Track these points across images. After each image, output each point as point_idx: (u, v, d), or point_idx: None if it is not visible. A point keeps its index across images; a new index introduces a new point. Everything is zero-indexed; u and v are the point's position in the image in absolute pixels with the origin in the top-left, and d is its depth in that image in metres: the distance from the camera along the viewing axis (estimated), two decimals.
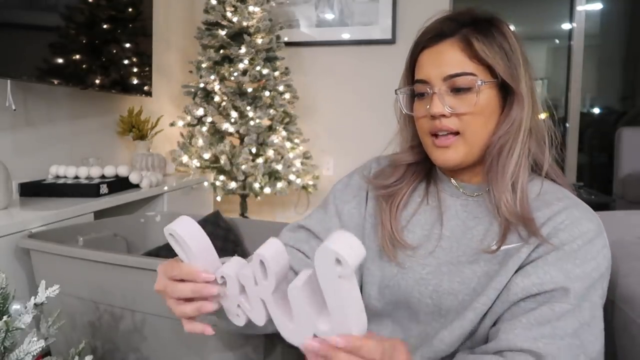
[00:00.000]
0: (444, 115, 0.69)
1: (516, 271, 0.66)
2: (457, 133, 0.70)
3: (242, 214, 2.66)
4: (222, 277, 0.56)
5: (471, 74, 0.68)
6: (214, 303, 0.59)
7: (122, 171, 1.88)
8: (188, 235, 0.56)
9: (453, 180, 0.77)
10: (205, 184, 2.45)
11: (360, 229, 0.80)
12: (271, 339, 1.00)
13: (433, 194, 0.78)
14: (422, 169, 0.79)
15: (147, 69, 2.33)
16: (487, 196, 0.72)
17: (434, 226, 0.75)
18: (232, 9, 2.45)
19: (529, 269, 0.65)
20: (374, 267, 0.77)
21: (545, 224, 0.67)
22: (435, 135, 0.71)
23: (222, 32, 2.44)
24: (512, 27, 0.73)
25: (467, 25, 0.70)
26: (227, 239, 1.42)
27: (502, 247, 0.68)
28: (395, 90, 0.77)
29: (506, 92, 0.71)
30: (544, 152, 0.72)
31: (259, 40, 2.46)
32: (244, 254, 1.42)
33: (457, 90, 0.69)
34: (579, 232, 0.65)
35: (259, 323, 0.55)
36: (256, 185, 2.45)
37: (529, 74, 0.71)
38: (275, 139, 2.49)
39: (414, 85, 0.74)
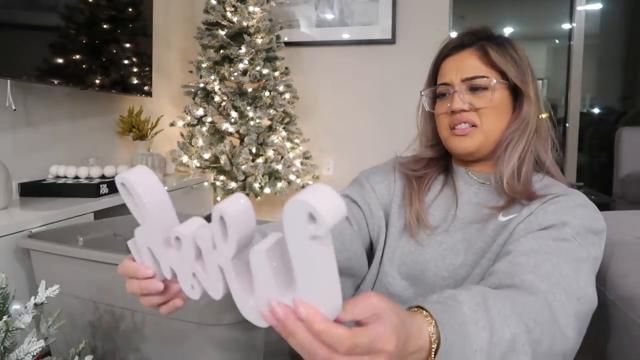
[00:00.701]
0: (464, 110, 0.80)
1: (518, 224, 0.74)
2: (474, 126, 0.80)
3: None
4: (177, 238, 0.48)
5: (485, 76, 0.80)
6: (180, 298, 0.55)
7: (122, 171, 1.88)
8: (143, 188, 0.48)
9: (467, 170, 0.87)
10: (205, 184, 2.45)
11: (388, 208, 0.89)
12: (271, 338, 1.00)
13: (450, 184, 0.88)
14: (441, 164, 0.91)
15: (147, 69, 2.33)
16: (495, 184, 0.82)
17: (450, 209, 0.84)
18: (232, 9, 2.45)
19: (530, 218, 0.73)
20: (394, 244, 0.85)
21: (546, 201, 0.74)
22: (453, 128, 0.81)
23: (222, 32, 2.44)
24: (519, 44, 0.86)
25: (484, 39, 0.83)
26: None
27: (507, 217, 0.76)
28: (421, 92, 0.89)
29: (516, 96, 0.82)
30: (547, 150, 0.83)
31: (259, 40, 2.46)
32: None
33: (474, 89, 0.81)
34: (573, 202, 0.73)
35: (215, 296, 0.47)
36: (256, 185, 2.45)
37: (535, 82, 0.83)
38: (275, 139, 2.49)
39: (437, 87, 0.85)
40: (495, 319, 0.53)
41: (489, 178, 0.84)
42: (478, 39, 0.83)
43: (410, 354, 0.45)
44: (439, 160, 0.90)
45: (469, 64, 0.82)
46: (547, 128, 0.84)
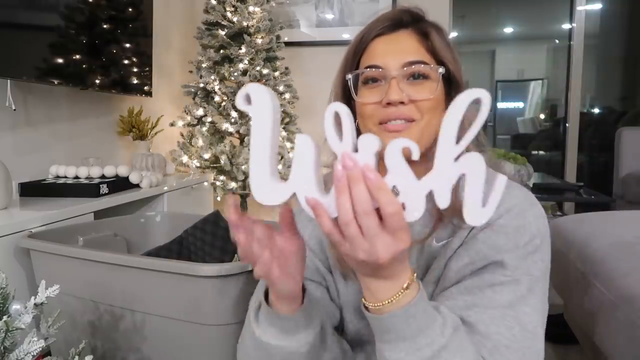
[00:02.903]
0: (402, 103, 0.66)
1: (450, 258, 0.66)
2: (410, 122, 0.67)
3: None
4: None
5: (428, 63, 0.68)
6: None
7: (122, 171, 1.88)
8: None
9: None
10: (205, 184, 2.45)
11: (323, 248, 0.77)
12: None
13: None
14: None
15: (147, 69, 2.33)
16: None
17: None
18: (232, 9, 2.45)
19: (460, 252, 0.65)
20: (344, 289, 0.76)
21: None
22: (385, 123, 0.67)
23: (222, 32, 2.44)
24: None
25: (421, 21, 0.71)
26: (228, 239, 1.42)
27: (439, 243, 0.68)
28: (345, 76, 0.72)
29: (449, 90, 0.71)
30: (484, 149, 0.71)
31: (259, 40, 2.46)
32: None
33: (414, 78, 0.67)
34: (504, 209, 0.65)
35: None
36: None
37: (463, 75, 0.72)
38: None
39: (366, 70, 0.69)
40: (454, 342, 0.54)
41: None
42: (416, 20, 0.71)
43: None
44: None
45: (408, 46, 0.68)
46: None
